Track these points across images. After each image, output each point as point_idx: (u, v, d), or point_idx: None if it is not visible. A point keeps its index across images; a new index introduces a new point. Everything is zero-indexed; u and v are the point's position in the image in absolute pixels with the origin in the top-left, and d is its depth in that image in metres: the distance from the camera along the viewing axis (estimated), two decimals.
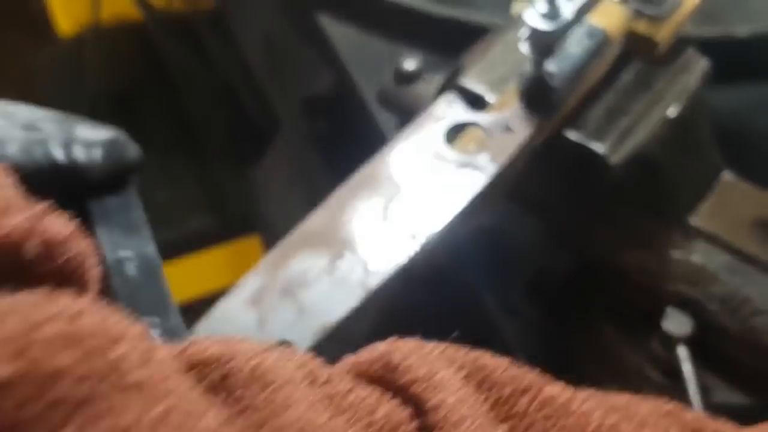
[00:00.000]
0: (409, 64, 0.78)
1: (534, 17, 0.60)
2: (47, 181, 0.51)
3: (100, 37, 1.69)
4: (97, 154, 0.52)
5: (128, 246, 0.50)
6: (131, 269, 0.49)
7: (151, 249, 0.50)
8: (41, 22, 1.87)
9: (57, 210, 0.39)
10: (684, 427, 0.43)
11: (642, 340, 0.73)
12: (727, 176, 0.73)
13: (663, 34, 0.70)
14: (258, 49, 1.35)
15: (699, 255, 0.70)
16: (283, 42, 1.28)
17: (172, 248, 1.63)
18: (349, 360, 0.45)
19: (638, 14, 0.70)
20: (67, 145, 0.52)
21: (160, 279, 0.50)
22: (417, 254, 0.60)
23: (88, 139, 0.52)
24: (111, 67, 1.74)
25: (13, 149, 0.50)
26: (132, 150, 0.53)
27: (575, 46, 0.67)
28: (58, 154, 0.51)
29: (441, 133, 0.66)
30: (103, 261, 0.49)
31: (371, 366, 0.42)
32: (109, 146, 0.52)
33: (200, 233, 1.65)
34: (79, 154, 0.52)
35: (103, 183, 0.52)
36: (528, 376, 0.42)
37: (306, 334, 0.56)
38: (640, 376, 0.73)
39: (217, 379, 0.37)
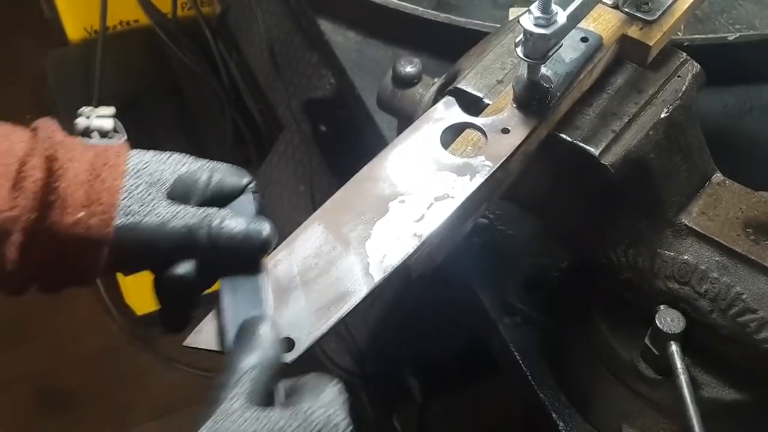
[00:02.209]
0: (408, 68, 0.79)
1: (529, 22, 0.62)
2: (189, 253, 0.58)
3: (108, 42, 1.71)
4: (237, 243, 0.58)
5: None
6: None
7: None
8: (52, 27, 1.89)
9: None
10: None
11: (635, 337, 0.74)
12: (718, 177, 0.75)
13: (655, 39, 0.71)
14: (261, 54, 1.37)
15: (690, 254, 0.71)
16: (285, 47, 1.29)
17: None
18: None
19: (631, 20, 0.72)
20: (213, 235, 0.58)
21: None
22: (416, 253, 0.61)
23: (231, 231, 0.58)
24: (119, 71, 1.75)
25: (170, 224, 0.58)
26: (266, 231, 0.58)
27: (569, 50, 0.69)
28: (203, 241, 0.58)
29: (438, 135, 0.67)
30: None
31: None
32: (245, 238, 0.58)
33: None
34: (223, 243, 0.58)
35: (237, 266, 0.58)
36: None
37: (308, 329, 0.57)
38: (634, 372, 0.74)
39: None
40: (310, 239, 0.61)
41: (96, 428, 1.72)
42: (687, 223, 0.72)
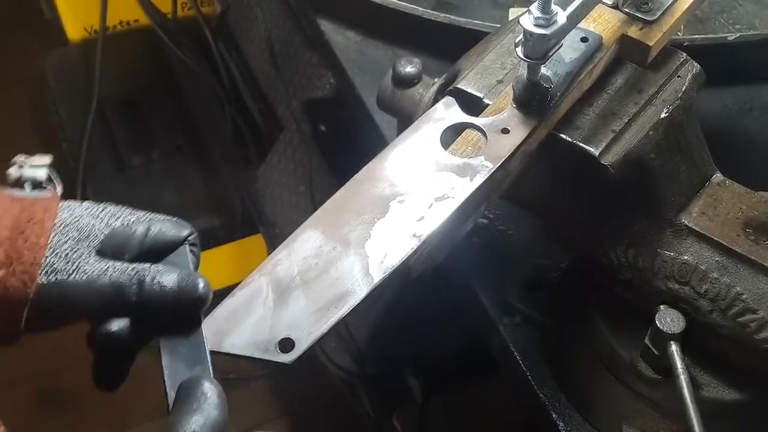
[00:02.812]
0: (408, 68, 0.79)
1: (529, 22, 0.62)
2: (119, 311, 0.56)
3: (108, 42, 1.71)
4: (169, 300, 0.56)
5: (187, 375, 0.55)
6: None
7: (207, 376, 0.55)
8: (52, 27, 1.89)
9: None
10: None
11: (635, 337, 0.74)
12: (718, 177, 0.75)
13: (655, 39, 0.71)
14: (261, 54, 1.37)
15: (690, 254, 0.71)
16: (285, 47, 1.29)
17: None
18: None
19: (631, 20, 0.72)
20: (144, 292, 0.56)
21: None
22: (416, 253, 0.61)
23: (162, 288, 0.56)
24: (119, 71, 1.75)
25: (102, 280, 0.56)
26: (201, 287, 0.56)
27: (569, 50, 0.69)
28: (133, 299, 0.56)
29: (438, 135, 0.67)
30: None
31: None
32: (178, 295, 0.56)
33: (206, 233, 1.66)
34: (154, 300, 0.56)
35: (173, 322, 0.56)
36: None
37: (308, 329, 0.58)
38: (634, 372, 0.74)
39: None
40: (310, 239, 0.61)
41: (96, 428, 1.72)
42: (687, 223, 0.72)
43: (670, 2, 0.72)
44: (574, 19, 0.64)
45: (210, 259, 1.66)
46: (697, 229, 0.71)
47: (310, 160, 1.27)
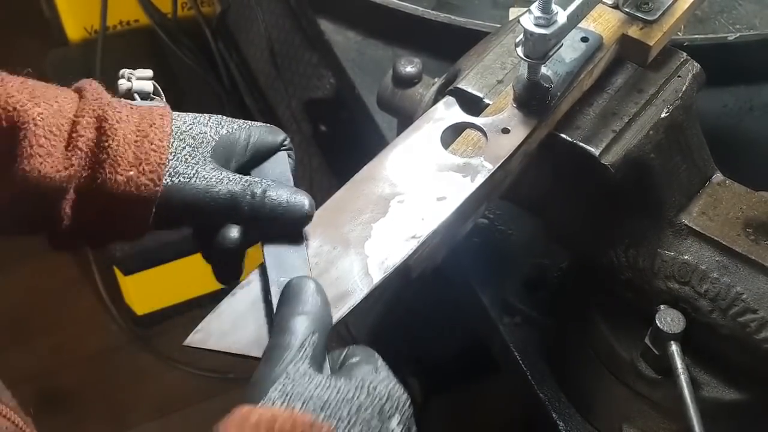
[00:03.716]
0: (408, 68, 0.79)
1: (529, 22, 0.62)
2: (232, 219, 0.61)
3: (108, 42, 1.71)
4: (278, 214, 0.60)
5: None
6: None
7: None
8: (52, 27, 1.89)
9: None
10: None
11: (635, 337, 0.74)
12: (718, 177, 0.75)
13: (655, 39, 0.71)
14: (261, 54, 1.37)
15: (690, 254, 0.71)
16: (285, 47, 1.29)
17: (180, 247, 1.65)
18: None
19: (631, 20, 0.72)
20: (256, 204, 0.60)
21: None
22: (416, 253, 0.61)
23: (272, 202, 0.60)
24: (119, 71, 1.75)
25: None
26: (306, 205, 0.60)
27: (569, 50, 0.69)
28: (246, 209, 0.60)
29: (439, 135, 0.67)
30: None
31: None
32: (286, 210, 0.60)
33: None
34: (265, 213, 0.60)
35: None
36: None
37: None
38: (634, 372, 0.74)
39: None
40: (310, 239, 0.61)
41: (96, 428, 1.72)
42: (687, 223, 0.72)
43: (670, 2, 0.72)
44: (575, 19, 0.64)
45: None
46: (697, 229, 0.71)
47: (310, 160, 1.27)
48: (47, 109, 0.59)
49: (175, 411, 1.71)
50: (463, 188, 0.64)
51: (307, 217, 0.60)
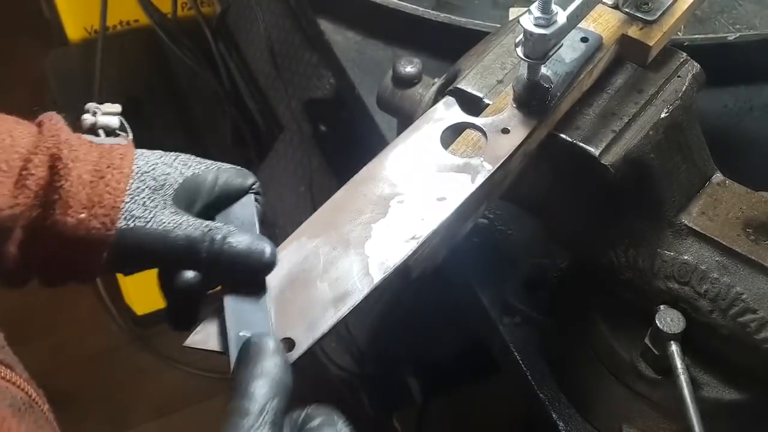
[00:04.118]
0: (408, 68, 0.79)
1: (529, 22, 0.62)
2: (190, 265, 0.58)
3: (108, 42, 1.71)
4: (238, 261, 0.57)
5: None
6: None
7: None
8: (52, 27, 1.89)
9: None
10: None
11: (635, 337, 0.74)
12: (718, 177, 0.75)
13: (655, 39, 0.71)
14: (261, 54, 1.37)
15: (690, 254, 0.71)
16: (285, 47, 1.29)
17: None
18: None
19: (631, 20, 0.72)
20: (215, 250, 0.58)
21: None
22: (416, 253, 0.61)
23: (232, 249, 0.58)
24: (119, 71, 1.76)
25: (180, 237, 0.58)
26: (268, 253, 0.58)
27: (569, 50, 0.69)
28: (204, 255, 0.58)
29: (438, 135, 0.67)
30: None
31: None
32: (247, 257, 0.58)
33: None
34: (224, 259, 0.58)
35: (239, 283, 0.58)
36: None
37: (309, 330, 0.58)
38: (634, 372, 0.74)
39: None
40: (310, 239, 0.61)
41: (96, 428, 1.73)
42: (687, 223, 0.72)
43: (670, 2, 0.72)
44: (574, 19, 0.64)
45: None
46: (697, 229, 0.71)
47: (310, 160, 1.27)
48: (3, 142, 0.57)
49: (175, 411, 1.71)
50: (463, 188, 0.64)
51: (268, 266, 0.58)
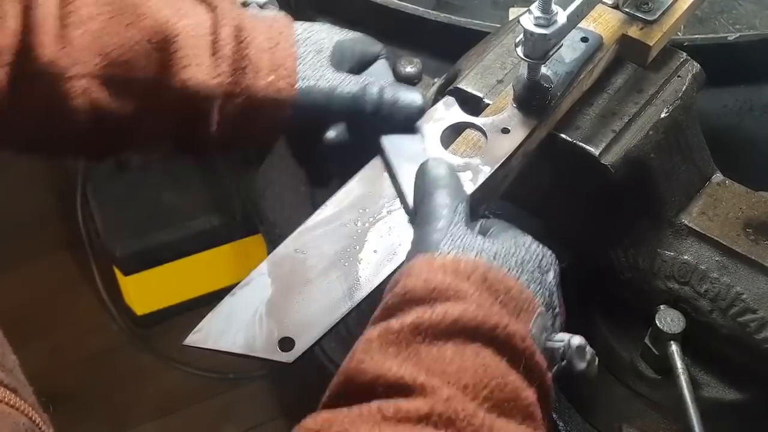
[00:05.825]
0: (408, 68, 0.79)
1: (529, 22, 0.62)
2: (353, 117, 0.66)
3: None
4: (396, 110, 0.65)
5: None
6: None
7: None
8: None
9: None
10: None
11: (635, 338, 0.74)
12: (718, 177, 0.75)
13: (655, 39, 0.71)
14: None
15: (690, 254, 0.71)
16: None
17: (180, 247, 1.65)
18: None
19: (631, 20, 0.72)
20: (375, 102, 0.65)
21: None
22: None
23: (390, 99, 0.65)
24: None
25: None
26: (419, 100, 0.66)
27: (569, 50, 0.69)
28: (368, 107, 0.65)
29: (438, 135, 0.67)
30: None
31: None
32: (403, 105, 0.65)
33: (207, 233, 1.66)
34: (384, 109, 0.65)
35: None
36: None
37: (308, 329, 0.58)
38: (634, 372, 0.75)
39: None
40: (311, 238, 0.61)
41: (96, 428, 1.72)
42: (687, 223, 0.72)
43: (670, 2, 0.72)
44: (575, 19, 0.64)
45: (210, 259, 1.66)
46: (697, 229, 0.71)
47: None
48: (191, 21, 0.63)
49: (175, 411, 1.71)
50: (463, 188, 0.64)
51: (420, 110, 0.66)
